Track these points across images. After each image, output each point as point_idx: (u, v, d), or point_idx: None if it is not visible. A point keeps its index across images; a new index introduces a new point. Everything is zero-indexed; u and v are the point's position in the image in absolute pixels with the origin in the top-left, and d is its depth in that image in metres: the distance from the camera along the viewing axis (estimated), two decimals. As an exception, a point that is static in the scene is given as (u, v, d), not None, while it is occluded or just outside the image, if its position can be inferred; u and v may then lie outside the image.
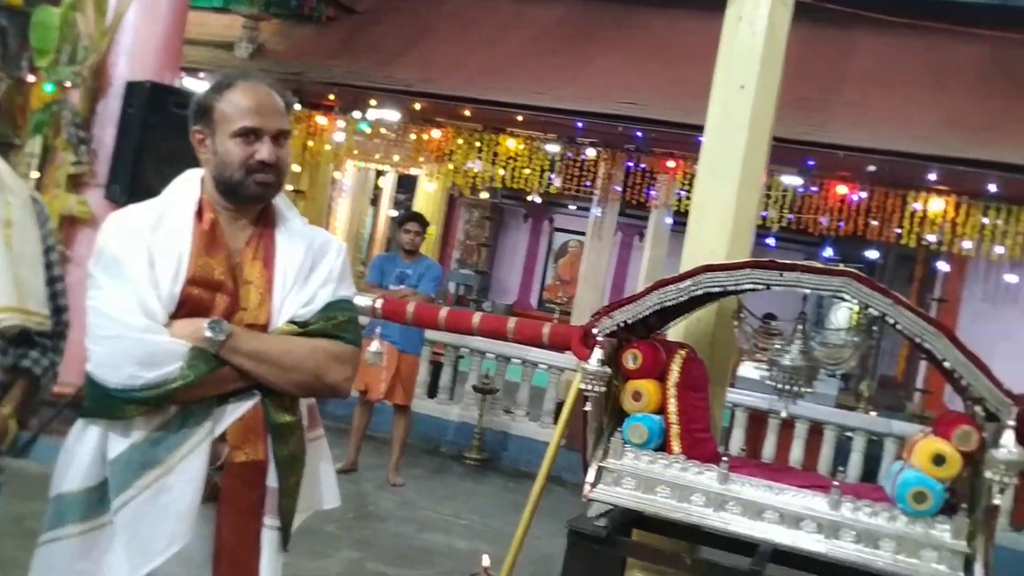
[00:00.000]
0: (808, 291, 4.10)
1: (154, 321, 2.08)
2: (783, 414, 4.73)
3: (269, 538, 2.18)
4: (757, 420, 8.01)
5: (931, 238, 7.73)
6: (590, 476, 4.32)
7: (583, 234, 16.43)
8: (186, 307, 2.13)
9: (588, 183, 8.67)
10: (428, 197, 11.33)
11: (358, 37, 10.01)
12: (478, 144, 8.78)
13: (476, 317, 4.80)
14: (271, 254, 2.25)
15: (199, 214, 2.23)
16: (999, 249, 7.48)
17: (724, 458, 4.15)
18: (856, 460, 7.89)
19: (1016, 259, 7.54)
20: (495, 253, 17.20)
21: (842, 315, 12.56)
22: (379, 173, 13.97)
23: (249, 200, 2.25)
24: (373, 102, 8.85)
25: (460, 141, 8.82)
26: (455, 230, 16.82)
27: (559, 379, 9.00)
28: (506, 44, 9.50)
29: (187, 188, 2.28)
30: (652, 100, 8.42)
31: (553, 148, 8.68)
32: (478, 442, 8.76)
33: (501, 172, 8.72)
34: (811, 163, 7.62)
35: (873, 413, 8.34)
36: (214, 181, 2.26)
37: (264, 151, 2.21)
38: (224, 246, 2.21)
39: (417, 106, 8.61)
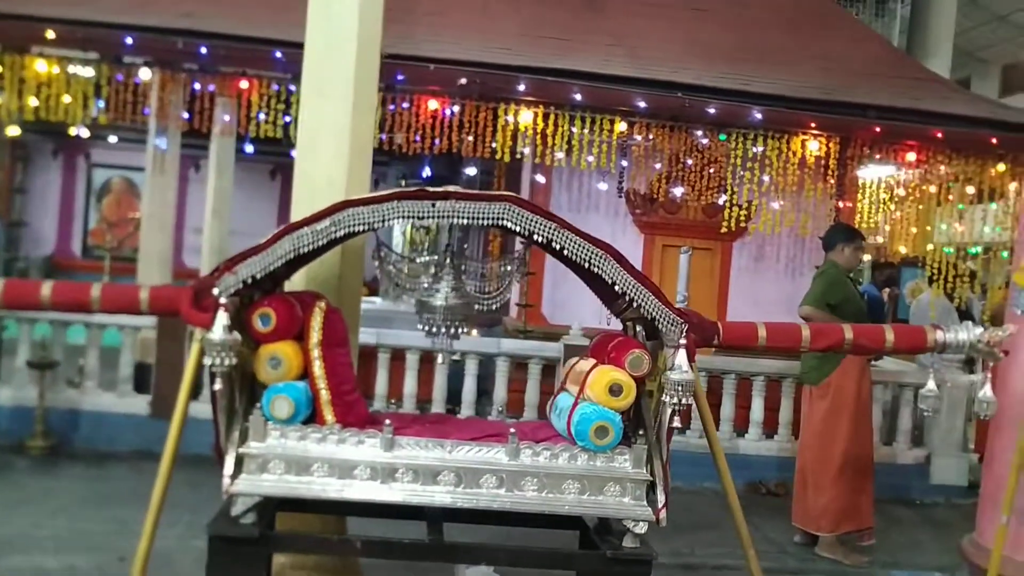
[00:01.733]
0: (465, 221, 3.61)
1: None
2: (440, 360, 4.27)
3: None
4: (366, 357, 7.52)
5: (526, 151, 7.65)
6: (228, 467, 3.54)
7: (127, 169, 14.77)
8: None
9: (146, 110, 7.43)
10: (-72, 137, 9.23)
11: None
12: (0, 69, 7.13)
13: (46, 288, 3.69)
14: None
15: None
16: (590, 158, 7.59)
17: (387, 421, 3.60)
18: (471, 384, 7.74)
19: (603, 167, 7.72)
20: (18, 195, 14.83)
21: (399, 240, 12.44)
22: None
23: None
24: None
25: (-29, 66, 7.10)
26: (-37, 173, 14.21)
27: (135, 339, 7.81)
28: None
29: None
30: (216, 10, 7.37)
31: (95, 71, 7.27)
32: (42, 427, 7.32)
33: (33, 102, 7.16)
34: (400, 78, 7.12)
35: (475, 332, 8.24)
36: None
37: None
38: None
39: None
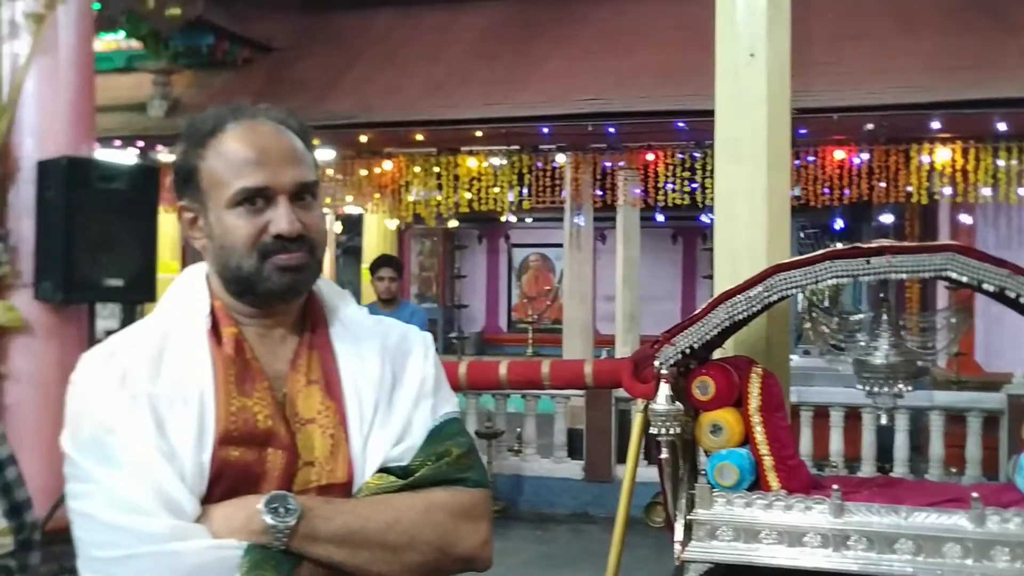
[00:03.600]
0: (903, 276, 3.48)
1: (181, 517, 1.32)
2: (883, 420, 4.12)
3: None
4: (820, 417, 7.40)
5: (945, 191, 7.21)
6: (678, 533, 3.65)
7: (541, 246, 15.88)
8: (224, 480, 1.36)
9: (563, 192, 8.02)
10: (381, 234, 10.56)
11: (282, 76, 9.24)
12: (436, 169, 8.08)
13: (503, 367, 4.09)
14: (332, 371, 1.49)
15: (215, 331, 1.47)
16: (1021, 191, 6.98)
17: (834, 486, 3.51)
18: (902, 441, 7.29)
19: (1028, 199, 7.08)
20: (454, 280, 16.46)
21: (849, 293, 12.03)
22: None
23: (274, 297, 1.47)
24: (315, 141, 8.08)
25: (416, 169, 8.10)
26: (408, 263, 16.03)
27: (567, 407, 8.29)
28: (445, 58, 8.81)
29: (190, 294, 1.51)
30: (616, 92, 7.80)
31: (516, 161, 8.00)
32: (493, 492, 7.98)
33: (468, 195, 8.02)
34: (803, 132, 7.06)
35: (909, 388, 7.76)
36: (220, 277, 1.50)
37: (281, 219, 1.44)
38: (261, 373, 1.44)
39: (363, 139, 7.85)
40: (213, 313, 1.48)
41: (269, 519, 1.31)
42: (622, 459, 7.13)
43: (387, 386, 1.49)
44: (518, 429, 8.50)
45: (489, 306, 16.28)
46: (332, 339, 1.52)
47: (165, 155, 8.67)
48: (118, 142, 8.15)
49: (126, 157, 8.28)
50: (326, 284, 1.59)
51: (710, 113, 4.67)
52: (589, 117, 7.52)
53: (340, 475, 1.42)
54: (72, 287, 4.99)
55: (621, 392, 5.34)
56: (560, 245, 11.41)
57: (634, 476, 3.92)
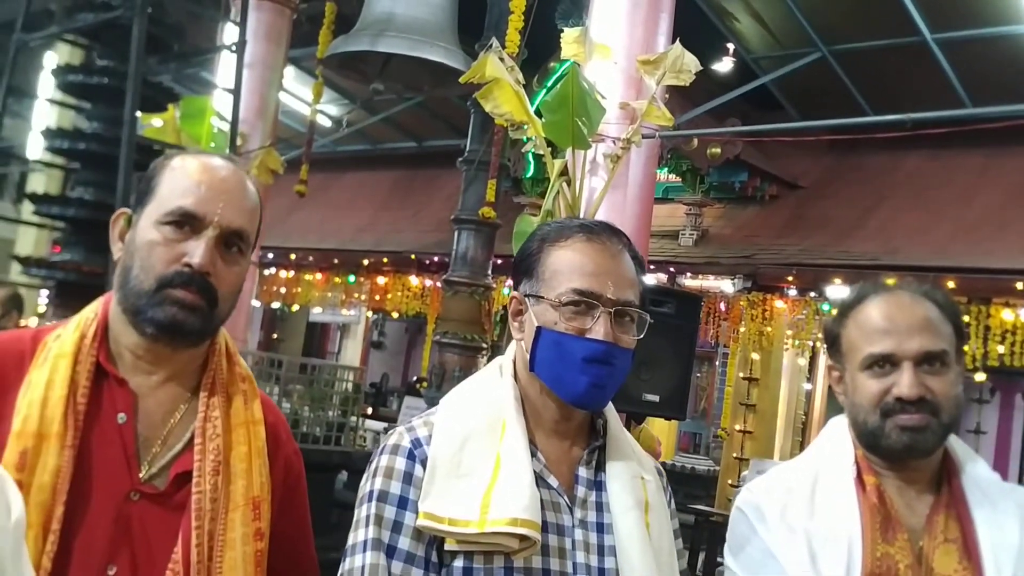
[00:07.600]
0: None
1: None
2: None
3: None
4: None
5: None
6: None
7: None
8: None
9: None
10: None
11: (806, 213, 9.50)
12: (965, 319, 7.74)
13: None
14: (970, 533, 1.62)
15: (859, 479, 1.68)
16: None
17: None
18: None
19: None
20: (957, 432, 15.27)
21: None
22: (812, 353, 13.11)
23: (894, 455, 1.65)
24: (837, 280, 8.20)
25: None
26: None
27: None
28: (980, 203, 8.48)
29: (836, 442, 1.75)
30: None
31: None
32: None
33: (999, 349, 7.58)
34: None
35: None
36: (853, 430, 1.72)
37: (903, 382, 1.61)
38: (901, 524, 1.62)
39: (891, 281, 7.77)
40: (856, 462, 1.69)
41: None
42: None
43: None
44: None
45: (997, 467, 14.81)
46: (968, 500, 1.65)
47: (689, 281, 9.31)
48: (651, 266, 8.90)
49: (654, 280, 9.01)
50: (959, 445, 1.73)
51: None
52: None
53: None
54: (617, 398, 5.55)
55: None
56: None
57: None
